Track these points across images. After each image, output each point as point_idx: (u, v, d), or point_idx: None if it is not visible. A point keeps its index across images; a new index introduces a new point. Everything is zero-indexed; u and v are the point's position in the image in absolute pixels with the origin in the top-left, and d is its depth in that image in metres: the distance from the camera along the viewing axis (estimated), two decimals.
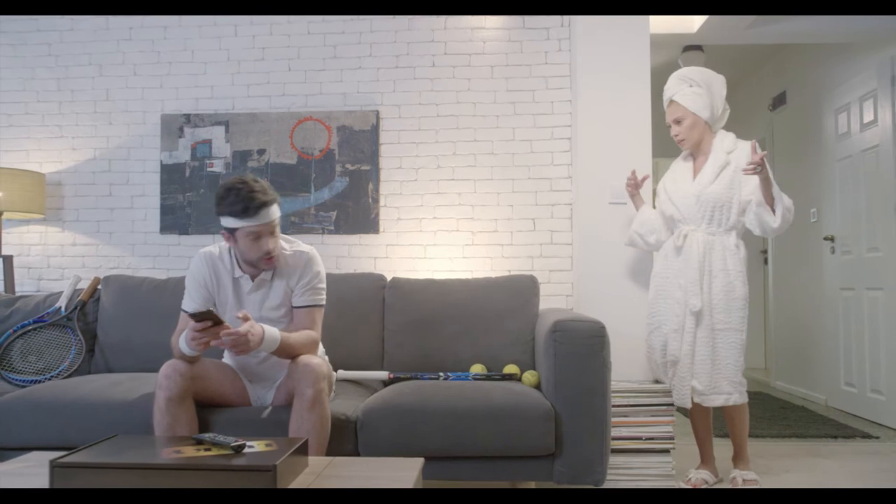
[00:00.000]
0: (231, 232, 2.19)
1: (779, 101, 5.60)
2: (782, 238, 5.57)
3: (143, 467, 1.57)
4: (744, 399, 2.77)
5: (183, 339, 2.08)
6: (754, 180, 2.72)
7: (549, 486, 2.83)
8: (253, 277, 2.29)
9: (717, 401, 2.75)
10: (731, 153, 2.82)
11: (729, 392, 2.75)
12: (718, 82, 2.88)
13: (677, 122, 2.88)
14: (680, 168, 2.96)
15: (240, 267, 2.29)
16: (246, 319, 2.04)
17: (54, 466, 1.58)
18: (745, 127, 6.42)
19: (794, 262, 5.34)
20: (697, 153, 2.91)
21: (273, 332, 2.11)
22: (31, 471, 1.74)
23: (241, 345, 2.02)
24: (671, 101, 2.90)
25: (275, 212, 2.19)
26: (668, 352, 2.81)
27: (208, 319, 1.99)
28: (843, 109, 4.55)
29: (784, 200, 2.68)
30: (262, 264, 2.23)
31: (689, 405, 2.79)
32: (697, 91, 2.84)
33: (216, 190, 2.22)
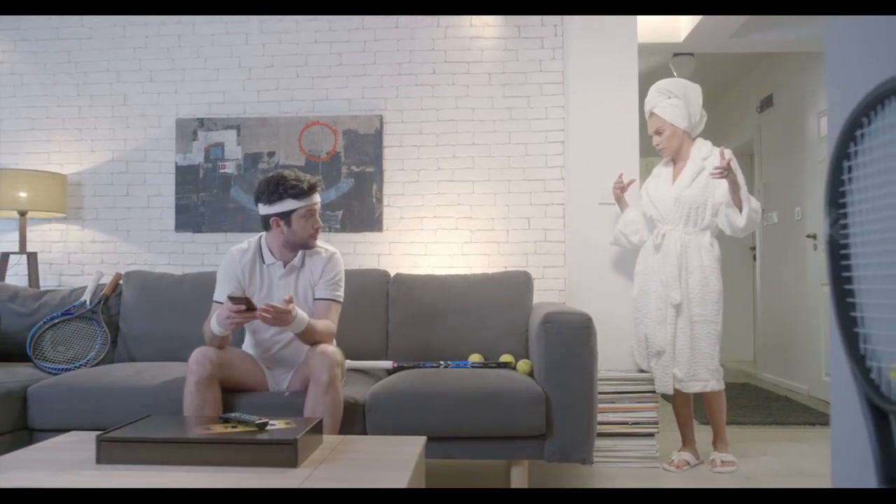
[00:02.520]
0: (286, 216, 2.45)
1: (766, 103, 5.80)
2: (769, 236, 5.78)
3: (180, 441, 1.78)
4: (720, 386, 2.99)
5: (215, 319, 2.32)
6: (725, 184, 2.95)
7: (541, 464, 3.05)
8: (285, 264, 2.51)
9: (695, 387, 2.97)
10: (707, 159, 3.04)
11: (706, 379, 2.96)
12: (694, 92, 3.10)
13: (658, 132, 3.11)
14: (661, 173, 3.18)
15: (272, 254, 2.52)
16: (290, 302, 2.28)
17: (100, 441, 1.79)
18: (734, 128, 6.63)
19: (780, 259, 5.55)
20: (677, 159, 3.14)
21: (303, 314, 2.35)
22: (75, 446, 1.95)
23: (282, 319, 2.26)
24: (651, 114, 3.12)
25: None
26: (653, 343, 3.02)
27: (243, 304, 2.22)
28: (825, 113, 4.76)
29: (751, 203, 2.92)
30: (311, 241, 2.50)
31: (671, 392, 3.01)
32: (675, 102, 3.06)
33: (260, 186, 2.48)
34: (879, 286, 0.89)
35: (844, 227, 0.95)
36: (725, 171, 2.84)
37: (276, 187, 2.43)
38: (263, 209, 2.48)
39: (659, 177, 3.18)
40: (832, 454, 1.04)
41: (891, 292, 0.86)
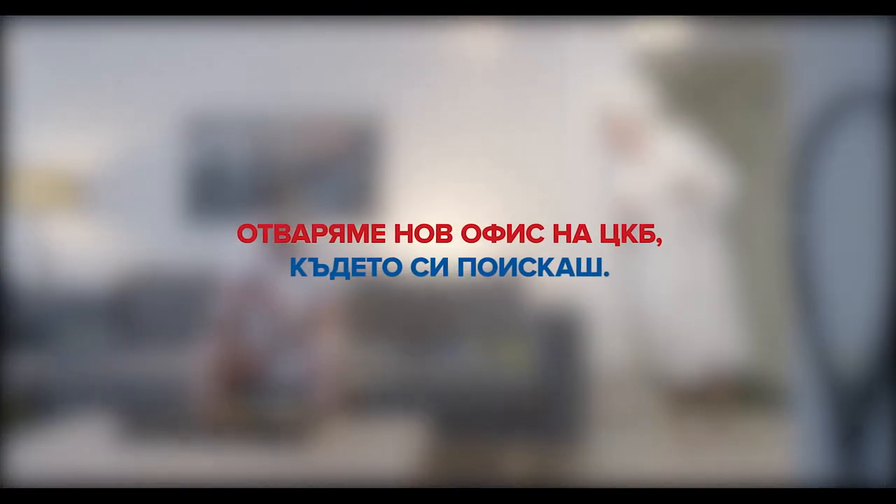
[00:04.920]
0: None
1: None
2: None
3: (200, 421, 1.90)
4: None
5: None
6: (683, 166, 3.14)
7: (537, 452, 3.15)
8: None
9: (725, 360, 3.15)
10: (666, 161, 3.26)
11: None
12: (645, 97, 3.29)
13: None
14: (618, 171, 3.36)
15: None
16: None
17: (124, 420, 1.91)
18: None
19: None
20: (626, 154, 3.34)
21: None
22: (98, 427, 2.07)
23: None
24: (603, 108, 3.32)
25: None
26: (668, 332, 3.14)
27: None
28: None
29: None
30: None
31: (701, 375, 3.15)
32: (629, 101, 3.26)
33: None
34: (834, 279, 1.02)
35: (806, 227, 1.08)
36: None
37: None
38: None
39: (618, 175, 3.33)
40: (794, 431, 1.17)
41: (844, 285, 0.99)
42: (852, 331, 0.96)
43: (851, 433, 0.92)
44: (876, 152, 0.91)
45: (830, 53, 1.10)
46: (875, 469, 0.91)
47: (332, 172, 3.84)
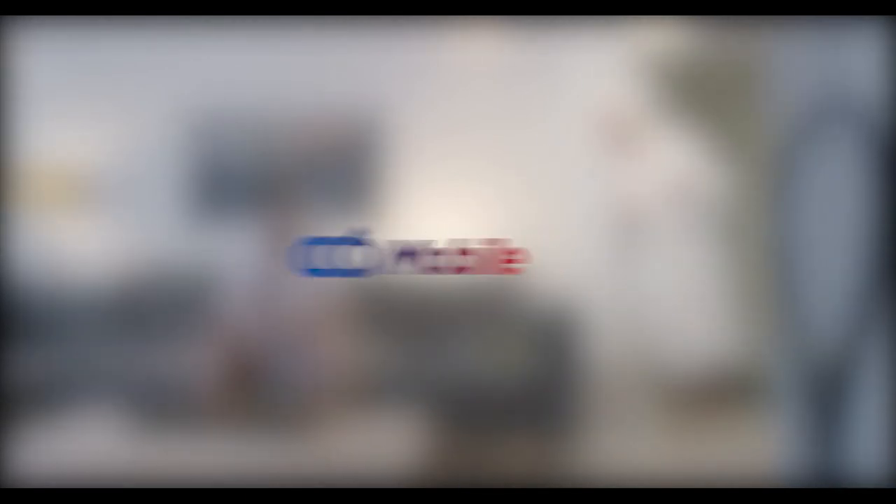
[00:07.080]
0: None
1: None
2: None
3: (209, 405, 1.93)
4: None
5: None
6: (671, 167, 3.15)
7: (533, 452, 3.17)
8: None
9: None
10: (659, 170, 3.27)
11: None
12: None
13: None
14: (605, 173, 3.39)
15: None
16: None
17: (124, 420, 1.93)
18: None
19: None
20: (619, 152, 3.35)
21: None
22: (95, 426, 2.09)
23: None
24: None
25: None
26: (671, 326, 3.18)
27: None
28: None
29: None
30: None
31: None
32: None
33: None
34: (811, 278, 1.03)
35: (787, 229, 1.09)
36: None
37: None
38: None
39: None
40: (784, 427, 1.18)
41: (820, 284, 1.00)
42: (836, 327, 0.97)
43: (833, 427, 0.93)
44: (859, 155, 0.91)
45: (824, 54, 1.10)
46: (858, 463, 0.92)
47: (333, 172, 3.85)
